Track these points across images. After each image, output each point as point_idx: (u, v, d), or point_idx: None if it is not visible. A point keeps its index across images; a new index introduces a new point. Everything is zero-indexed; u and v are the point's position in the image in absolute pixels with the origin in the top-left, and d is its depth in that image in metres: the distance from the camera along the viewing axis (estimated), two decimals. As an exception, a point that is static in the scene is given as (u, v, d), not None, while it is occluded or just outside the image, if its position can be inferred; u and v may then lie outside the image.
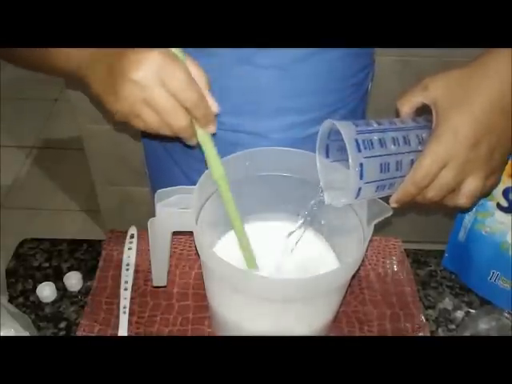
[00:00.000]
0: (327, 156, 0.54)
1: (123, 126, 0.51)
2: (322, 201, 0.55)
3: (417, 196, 0.51)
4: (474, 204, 0.58)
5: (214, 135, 0.52)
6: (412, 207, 0.53)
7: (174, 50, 0.48)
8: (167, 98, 0.47)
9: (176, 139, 0.51)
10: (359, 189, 0.48)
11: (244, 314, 0.53)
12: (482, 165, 0.50)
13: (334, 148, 0.54)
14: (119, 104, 0.48)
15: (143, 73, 0.46)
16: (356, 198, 0.49)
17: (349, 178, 0.48)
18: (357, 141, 0.48)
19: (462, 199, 0.51)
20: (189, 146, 0.53)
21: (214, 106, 0.51)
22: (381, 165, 0.49)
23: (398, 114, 0.54)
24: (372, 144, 0.48)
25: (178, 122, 0.48)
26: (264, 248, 0.58)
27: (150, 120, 0.48)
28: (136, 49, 0.47)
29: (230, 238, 0.62)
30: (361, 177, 0.48)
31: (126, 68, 0.46)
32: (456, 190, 0.51)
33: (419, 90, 0.51)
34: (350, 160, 0.47)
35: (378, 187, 0.50)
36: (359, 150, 0.48)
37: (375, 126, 0.50)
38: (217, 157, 0.52)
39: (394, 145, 0.50)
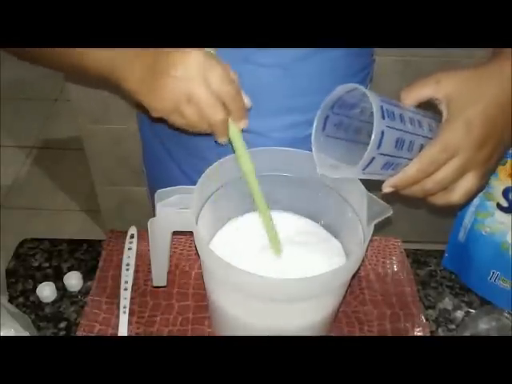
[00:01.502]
0: (324, 128, 0.53)
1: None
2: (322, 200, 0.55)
3: (415, 184, 0.50)
4: (464, 204, 0.60)
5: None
6: (398, 199, 0.52)
7: (208, 48, 0.50)
8: (208, 93, 0.49)
9: (206, 136, 0.53)
10: (372, 158, 0.47)
11: (244, 310, 0.53)
12: (483, 164, 0.50)
13: (332, 122, 0.53)
14: (162, 102, 0.50)
15: (185, 69, 0.48)
16: (364, 169, 0.48)
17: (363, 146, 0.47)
18: (382, 108, 0.46)
19: (456, 196, 0.51)
20: (217, 144, 0.54)
21: (247, 101, 0.53)
22: (397, 139, 0.48)
23: None
24: (394, 115, 0.47)
25: (216, 116, 0.50)
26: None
27: (189, 115, 0.50)
28: (175, 48, 0.48)
29: (226, 231, 0.61)
30: (378, 146, 0.46)
31: (168, 65, 0.48)
32: (449, 187, 0.51)
33: (430, 84, 0.51)
34: (374, 125, 0.45)
35: (386, 163, 0.48)
36: (383, 117, 0.46)
37: (395, 102, 0.49)
38: (246, 152, 0.54)
39: (411, 124, 0.49)
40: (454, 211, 0.68)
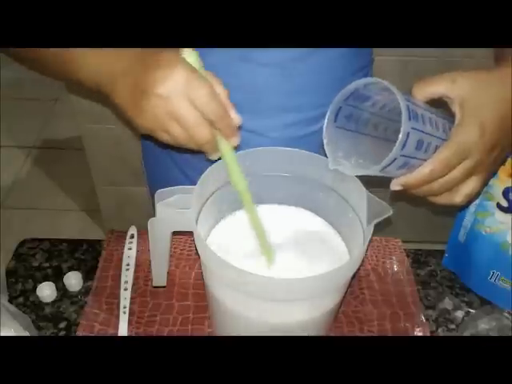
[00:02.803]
0: (335, 120, 0.52)
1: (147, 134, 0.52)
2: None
3: (424, 185, 0.50)
4: (464, 205, 0.60)
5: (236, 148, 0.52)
6: (404, 197, 0.52)
7: (196, 67, 0.49)
8: (192, 111, 0.48)
9: (198, 152, 0.52)
10: (394, 159, 0.46)
11: (243, 307, 0.53)
12: (488, 168, 0.51)
13: (344, 113, 0.52)
14: (143, 118, 0.49)
15: (168, 87, 0.47)
16: (381, 170, 0.47)
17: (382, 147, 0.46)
18: (408, 108, 0.45)
19: (459, 198, 0.51)
20: (210, 160, 0.53)
21: (237, 118, 0.51)
22: (418, 141, 0.47)
23: None
24: (417, 116, 0.47)
25: (201, 134, 0.49)
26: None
27: (175, 134, 0.49)
28: (161, 64, 0.48)
29: (224, 225, 0.61)
30: (403, 147, 0.46)
31: (152, 83, 0.47)
32: (454, 188, 0.51)
33: (444, 82, 0.50)
34: (402, 125, 0.45)
35: (403, 164, 0.48)
36: (409, 118, 0.45)
37: (415, 100, 0.48)
38: (239, 170, 0.53)
39: (430, 125, 0.48)
40: (453, 211, 0.68)
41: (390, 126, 0.47)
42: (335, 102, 0.51)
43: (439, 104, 0.52)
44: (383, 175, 0.49)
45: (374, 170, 0.48)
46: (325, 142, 0.52)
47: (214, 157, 0.53)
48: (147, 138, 0.78)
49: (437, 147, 0.49)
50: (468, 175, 0.50)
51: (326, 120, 0.52)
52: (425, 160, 0.49)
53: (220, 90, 0.50)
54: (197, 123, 0.48)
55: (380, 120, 0.52)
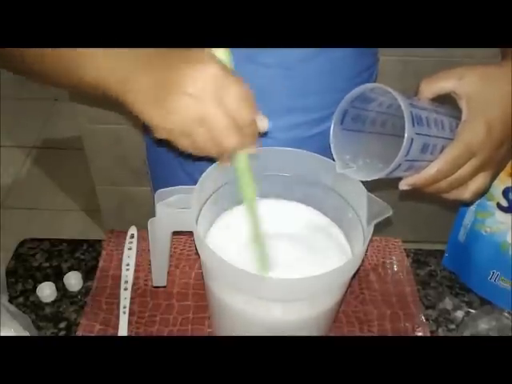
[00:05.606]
0: (342, 122, 0.52)
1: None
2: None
3: (432, 184, 0.50)
4: (475, 200, 0.61)
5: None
6: (414, 195, 0.52)
7: (228, 65, 0.45)
8: (223, 115, 0.44)
9: (205, 159, 0.49)
10: (399, 165, 0.46)
11: (243, 304, 0.53)
12: (496, 165, 0.50)
13: (350, 115, 0.51)
14: (171, 122, 0.45)
15: (200, 86, 0.43)
16: (387, 174, 0.47)
17: (384, 151, 0.47)
18: (412, 114, 0.45)
19: (468, 194, 0.51)
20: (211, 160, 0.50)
21: (264, 124, 0.48)
22: (423, 145, 0.47)
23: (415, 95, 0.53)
24: (422, 121, 0.47)
25: (229, 141, 0.45)
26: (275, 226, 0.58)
27: (200, 139, 0.45)
28: (190, 60, 0.44)
29: (222, 223, 0.61)
30: (407, 153, 0.46)
31: (181, 81, 0.43)
32: (463, 185, 0.51)
33: (452, 79, 0.49)
34: (406, 133, 0.45)
35: (409, 167, 0.48)
36: (413, 125, 0.45)
37: (419, 103, 0.48)
38: (252, 181, 0.50)
39: (436, 127, 0.48)
40: (459, 206, 0.68)
41: (398, 122, 0.47)
42: (341, 105, 0.51)
43: (446, 100, 0.51)
44: (390, 177, 0.50)
45: (380, 174, 0.48)
46: (332, 145, 0.52)
47: (225, 164, 0.49)
48: (151, 136, 0.78)
49: (443, 147, 0.49)
50: (476, 173, 0.50)
51: (332, 123, 0.51)
52: (431, 161, 0.49)
53: (248, 90, 0.46)
54: (226, 129, 0.44)
55: (387, 117, 0.52)
